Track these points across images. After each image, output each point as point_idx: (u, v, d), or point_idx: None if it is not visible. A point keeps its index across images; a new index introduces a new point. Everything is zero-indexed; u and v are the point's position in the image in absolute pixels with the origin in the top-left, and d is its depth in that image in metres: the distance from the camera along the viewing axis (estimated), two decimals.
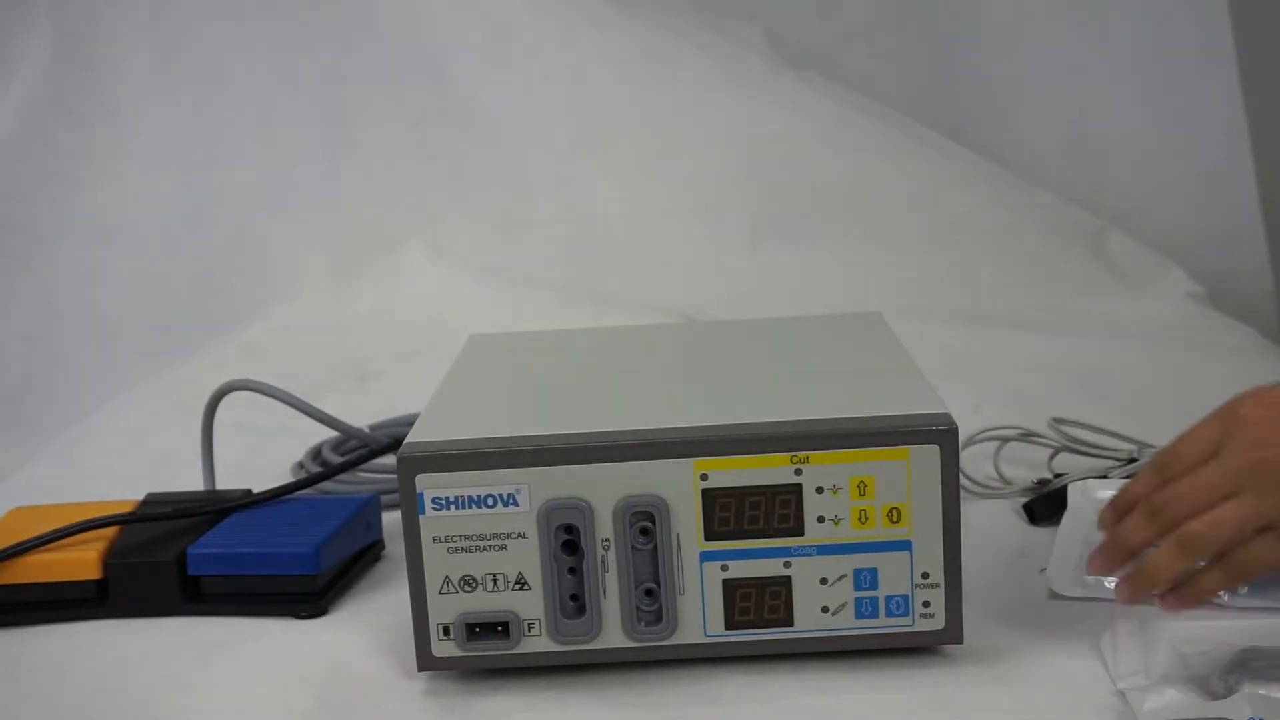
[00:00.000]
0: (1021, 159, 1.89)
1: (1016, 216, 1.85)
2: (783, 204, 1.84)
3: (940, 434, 0.84)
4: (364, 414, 1.32)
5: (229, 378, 1.16)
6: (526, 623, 0.87)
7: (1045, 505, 1.06)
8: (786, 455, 0.85)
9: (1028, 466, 1.15)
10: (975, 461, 1.13)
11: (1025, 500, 1.09)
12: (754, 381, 0.94)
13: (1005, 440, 1.14)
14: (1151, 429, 1.16)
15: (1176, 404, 1.28)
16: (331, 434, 1.28)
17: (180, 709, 0.89)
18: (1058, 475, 1.11)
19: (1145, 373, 1.46)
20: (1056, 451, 1.14)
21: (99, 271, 1.79)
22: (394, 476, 1.20)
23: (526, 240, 1.92)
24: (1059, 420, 1.15)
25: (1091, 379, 1.42)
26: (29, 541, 1.00)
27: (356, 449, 1.25)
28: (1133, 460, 1.11)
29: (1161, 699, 0.77)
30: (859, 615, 0.86)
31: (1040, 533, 1.06)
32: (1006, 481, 1.13)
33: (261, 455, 1.31)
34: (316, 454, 1.28)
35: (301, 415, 1.18)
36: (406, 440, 0.88)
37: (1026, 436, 1.15)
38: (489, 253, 1.91)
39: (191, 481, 1.16)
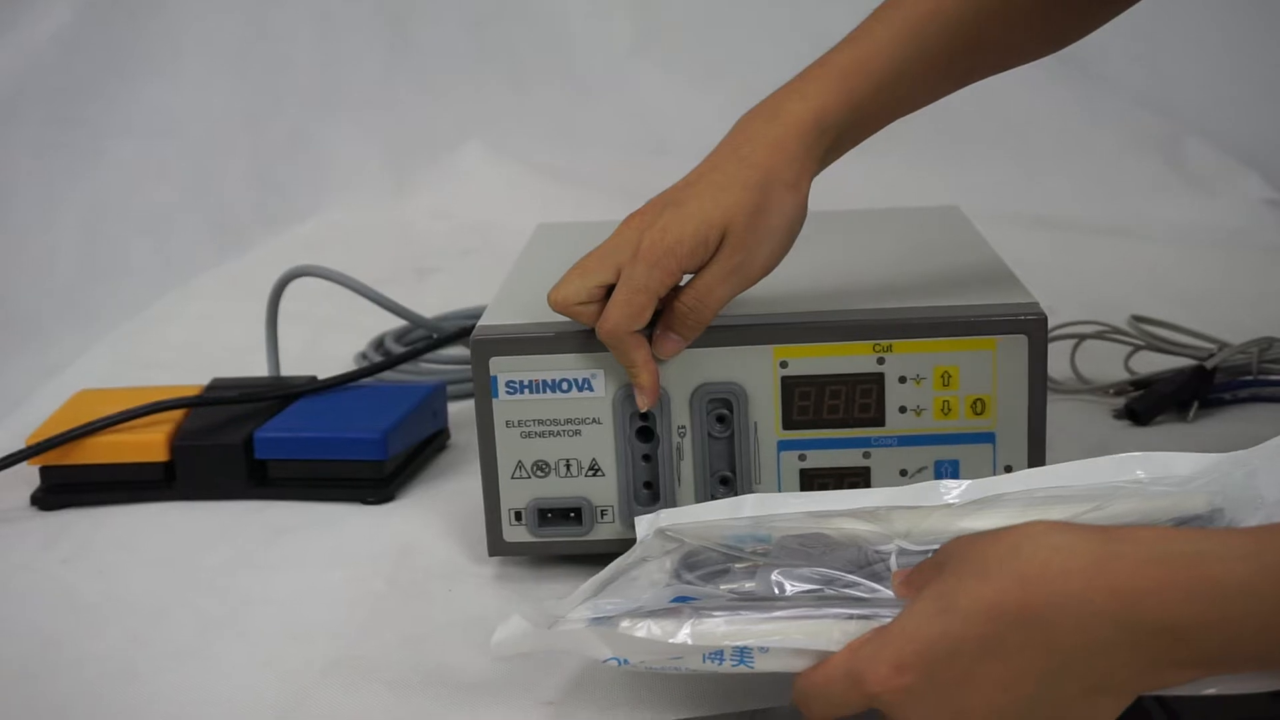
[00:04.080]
0: (1095, 64, 1.84)
1: (1089, 121, 1.81)
2: None
3: (1029, 324, 0.82)
4: (423, 309, 1.30)
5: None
6: (599, 509, 0.86)
7: (1148, 403, 1.05)
8: (869, 344, 0.83)
9: (1104, 366, 1.12)
10: (1050, 359, 1.11)
11: (1114, 397, 1.08)
12: (833, 270, 0.92)
13: (1083, 337, 1.11)
14: (1226, 333, 1.13)
15: (1251, 308, 1.26)
16: (394, 324, 1.27)
17: (250, 587, 0.89)
18: (1153, 374, 1.09)
19: (1220, 277, 1.43)
20: (1135, 350, 1.12)
21: (156, 167, 1.77)
22: (458, 368, 1.19)
23: (585, 142, 1.89)
24: (1139, 318, 1.13)
25: (1165, 283, 1.39)
26: (97, 422, 1.00)
27: (420, 340, 1.23)
28: (1210, 357, 1.08)
29: (508, 629, 0.69)
30: None
31: (1125, 430, 1.05)
32: (1084, 380, 1.11)
33: (321, 346, 1.31)
34: (379, 344, 1.27)
35: (361, 307, 1.17)
36: (480, 323, 0.86)
37: (1106, 334, 1.12)
38: (547, 154, 1.88)
39: (252, 371, 1.15)
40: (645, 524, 0.77)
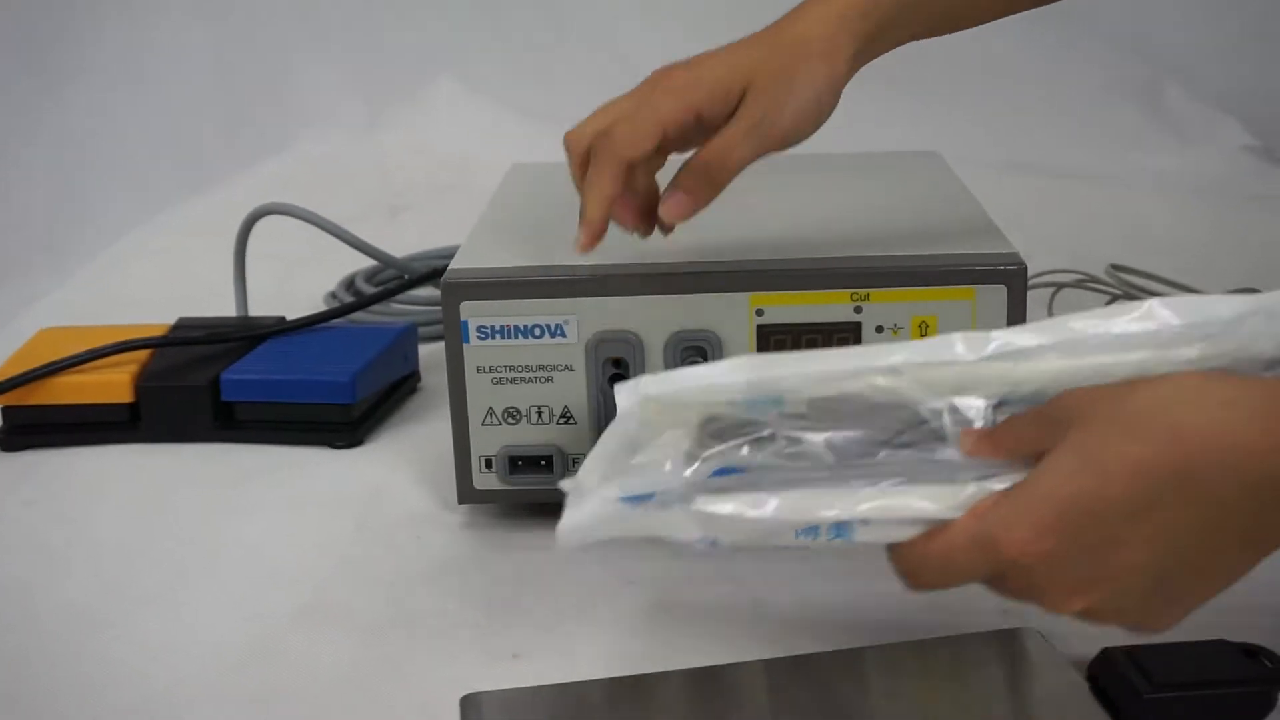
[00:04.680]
0: (1073, 8, 1.83)
1: (1067, 67, 1.80)
2: None
3: (1008, 274, 0.81)
4: (396, 247, 1.28)
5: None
6: (571, 457, 0.84)
7: None
8: (846, 292, 0.82)
9: None
10: (1027, 308, 1.10)
11: None
12: (811, 216, 0.91)
13: (1061, 286, 1.11)
14: (1205, 281, 1.12)
15: (1230, 257, 1.25)
16: (364, 264, 1.25)
17: (217, 532, 0.88)
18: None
19: (1199, 226, 1.42)
20: (1113, 299, 1.11)
21: (128, 102, 1.74)
22: (430, 308, 1.18)
23: (562, 77, 1.87)
24: (1118, 267, 1.12)
25: (1144, 231, 1.39)
26: (61, 361, 0.98)
27: (391, 280, 1.22)
28: None
29: (581, 513, 0.62)
30: None
31: None
32: None
33: (291, 285, 1.29)
34: (349, 284, 1.26)
35: (331, 246, 1.15)
36: (450, 266, 0.85)
37: (1084, 282, 1.11)
38: (523, 89, 1.86)
39: (219, 310, 1.14)
40: (626, 392, 0.70)
